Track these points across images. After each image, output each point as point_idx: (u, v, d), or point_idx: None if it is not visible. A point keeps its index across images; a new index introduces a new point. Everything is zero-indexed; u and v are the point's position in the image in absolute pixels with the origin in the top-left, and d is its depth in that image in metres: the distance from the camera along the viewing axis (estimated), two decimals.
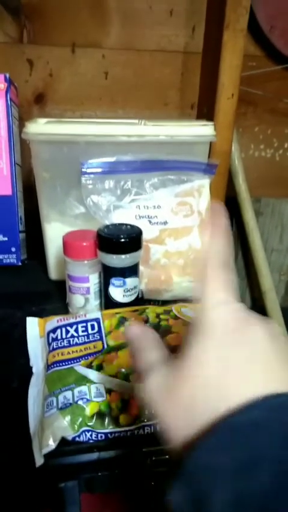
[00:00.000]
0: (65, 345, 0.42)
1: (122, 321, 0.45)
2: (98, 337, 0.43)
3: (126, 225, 0.51)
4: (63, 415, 0.34)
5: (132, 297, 0.51)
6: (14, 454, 0.34)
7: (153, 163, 0.55)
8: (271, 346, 0.21)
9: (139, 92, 0.82)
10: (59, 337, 0.43)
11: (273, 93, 0.86)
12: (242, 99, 0.78)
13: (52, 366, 0.39)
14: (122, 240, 0.47)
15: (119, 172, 0.54)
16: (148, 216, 0.56)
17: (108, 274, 0.49)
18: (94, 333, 0.43)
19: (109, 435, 0.34)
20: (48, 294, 0.60)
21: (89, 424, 0.34)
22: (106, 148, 0.54)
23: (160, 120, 0.57)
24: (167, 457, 0.33)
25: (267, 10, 0.77)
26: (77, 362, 0.39)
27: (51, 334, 0.44)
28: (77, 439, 0.33)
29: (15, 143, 0.63)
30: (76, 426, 0.33)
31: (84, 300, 0.51)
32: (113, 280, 0.49)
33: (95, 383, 0.37)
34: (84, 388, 0.36)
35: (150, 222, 0.56)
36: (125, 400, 0.35)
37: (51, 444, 0.32)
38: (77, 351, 0.41)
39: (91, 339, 0.42)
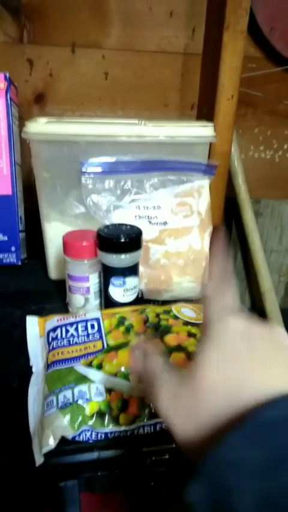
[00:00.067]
0: (65, 344, 0.42)
1: (121, 321, 0.45)
2: (98, 336, 0.43)
3: (126, 225, 0.51)
4: (63, 414, 0.34)
5: (132, 297, 0.51)
6: (14, 453, 0.34)
7: (153, 164, 0.55)
8: (280, 349, 0.23)
9: (139, 93, 0.82)
10: (59, 336, 0.43)
11: (273, 95, 0.87)
12: (242, 101, 0.79)
13: (52, 365, 0.39)
14: (122, 240, 0.47)
15: (119, 173, 0.54)
16: (148, 216, 0.56)
17: (108, 274, 0.49)
18: (94, 333, 0.43)
19: (109, 435, 0.34)
20: (48, 294, 0.59)
21: (89, 423, 0.34)
22: (106, 148, 0.54)
23: (160, 121, 0.57)
24: (166, 456, 0.33)
25: (267, 12, 0.78)
26: (77, 361, 0.39)
27: (51, 334, 0.44)
28: (77, 438, 0.33)
29: (15, 143, 0.63)
30: (76, 425, 0.33)
31: (84, 299, 0.51)
32: (113, 280, 0.49)
33: (94, 382, 0.37)
34: (84, 387, 0.36)
35: (150, 222, 0.56)
36: (124, 399, 0.35)
37: (51, 443, 0.32)
38: (77, 350, 0.41)
39: (91, 339, 0.42)
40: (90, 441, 0.34)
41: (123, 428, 0.34)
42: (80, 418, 0.34)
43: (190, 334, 0.42)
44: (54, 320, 0.46)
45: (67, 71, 0.79)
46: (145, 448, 0.34)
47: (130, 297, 0.50)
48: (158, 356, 0.28)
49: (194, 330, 0.43)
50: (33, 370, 0.41)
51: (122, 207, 0.55)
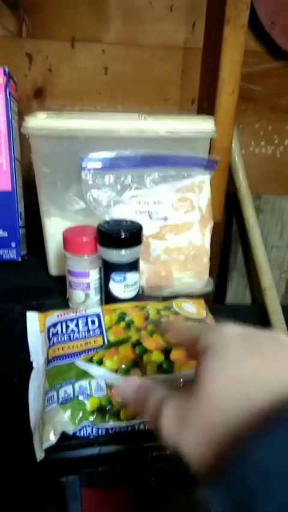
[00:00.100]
0: (66, 339, 0.42)
1: (122, 317, 0.45)
2: (99, 332, 0.43)
3: (127, 220, 0.51)
4: (64, 409, 0.34)
5: (133, 293, 0.51)
6: (15, 449, 0.34)
7: (154, 159, 0.55)
8: (284, 346, 0.22)
9: (139, 88, 0.82)
10: (60, 332, 0.43)
11: (273, 90, 0.86)
12: (243, 96, 0.78)
13: (53, 361, 0.39)
14: (123, 235, 0.47)
15: (119, 168, 0.54)
16: (148, 211, 0.55)
17: (108, 269, 0.49)
18: (94, 328, 0.43)
19: (110, 430, 0.34)
20: (48, 290, 0.59)
21: (90, 419, 0.34)
22: (106, 143, 0.54)
23: (160, 115, 0.56)
24: (167, 452, 0.33)
25: (267, 6, 0.77)
26: (77, 357, 0.39)
27: (52, 329, 0.44)
28: (78, 433, 0.33)
29: (15, 138, 0.63)
30: (77, 421, 0.33)
31: (85, 295, 0.51)
32: (114, 276, 0.49)
33: (95, 378, 0.37)
34: (84, 383, 0.36)
35: (150, 217, 0.55)
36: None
37: (52, 439, 0.32)
38: (77, 346, 0.41)
39: (91, 334, 0.42)
40: (91, 436, 0.33)
41: (124, 423, 0.34)
42: (81, 414, 0.34)
43: None
44: (54, 316, 0.46)
45: (66, 65, 0.78)
46: (146, 443, 0.34)
47: (131, 293, 0.50)
48: (150, 383, 0.27)
49: None
50: (34, 365, 0.41)
51: (122, 203, 0.55)
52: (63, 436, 0.32)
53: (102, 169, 0.54)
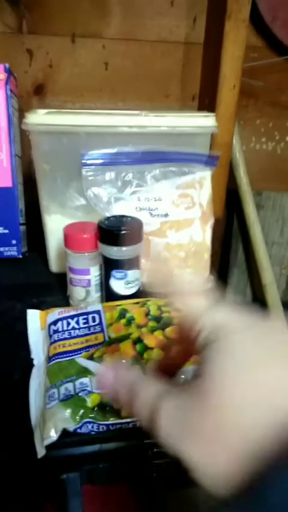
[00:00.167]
0: (66, 337, 0.42)
1: (123, 313, 0.44)
2: (99, 329, 0.43)
3: (127, 217, 0.51)
4: (65, 406, 0.34)
5: (134, 290, 0.50)
6: (16, 446, 0.34)
7: (155, 155, 0.55)
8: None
9: (140, 83, 0.81)
10: (60, 329, 0.43)
11: (274, 85, 0.86)
12: (243, 92, 0.78)
13: (53, 358, 0.39)
14: (123, 232, 0.47)
15: (119, 164, 0.54)
16: (149, 208, 0.55)
17: (109, 266, 0.49)
18: (95, 325, 0.43)
19: (110, 427, 0.34)
20: (49, 287, 0.59)
21: (91, 415, 0.34)
22: (107, 140, 0.54)
23: (161, 111, 0.56)
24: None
25: (269, 0, 0.77)
26: (78, 354, 0.39)
27: (52, 326, 0.44)
28: (79, 430, 0.33)
29: (15, 134, 0.63)
30: (78, 418, 0.33)
31: (85, 292, 0.51)
32: (114, 273, 0.49)
33: (96, 375, 0.37)
34: (85, 379, 0.36)
35: (151, 214, 0.55)
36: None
37: (53, 436, 0.32)
38: (78, 343, 0.41)
39: (92, 331, 0.42)
40: (92, 433, 0.33)
41: (124, 420, 0.34)
42: (82, 411, 0.34)
43: None
44: (55, 313, 0.46)
45: (67, 61, 0.78)
46: (147, 440, 0.33)
47: (131, 290, 0.50)
48: (137, 374, 0.23)
49: None
50: (35, 362, 0.41)
51: (123, 199, 0.54)
52: (64, 433, 0.32)
53: (103, 166, 0.53)
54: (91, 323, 0.44)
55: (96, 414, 0.34)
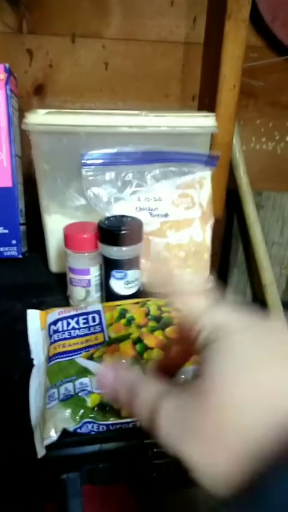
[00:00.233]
0: (66, 337, 0.42)
1: (123, 313, 0.44)
2: (99, 329, 0.43)
3: (127, 217, 0.51)
4: (65, 406, 0.34)
5: (134, 290, 0.50)
6: (16, 446, 0.34)
7: (155, 155, 0.55)
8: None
9: (139, 83, 0.81)
10: (60, 329, 0.43)
11: (274, 85, 0.86)
12: (243, 92, 0.78)
13: (53, 358, 0.39)
14: (123, 232, 0.47)
15: (119, 164, 0.54)
16: (149, 208, 0.55)
17: (109, 266, 0.49)
18: (95, 325, 0.43)
19: (110, 427, 0.34)
20: (48, 287, 0.59)
21: (91, 415, 0.34)
22: (107, 140, 0.54)
23: (161, 111, 0.56)
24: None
25: (269, 0, 0.77)
26: (78, 354, 0.39)
27: (52, 326, 0.44)
28: (79, 430, 0.33)
29: (15, 134, 0.63)
30: (78, 418, 0.33)
31: (85, 292, 0.51)
32: (114, 273, 0.49)
33: (96, 375, 0.37)
34: (85, 379, 0.36)
35: (151, 214, 0.55)
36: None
37: (53, 436, 0.32)
38: (78, 343, 0.41)
39: (92, 331, 0.42)
40: (92, 433, 0.33)
41: (124, 420, 0.34)
42: (82, 411, 0.34)
43: None
44: (55, 313, 0.46)
45: (67, 61, 0.78)
46: (146, 440, 0.33)
47: (131, 290, 0.50)
48: (136, 374, 0.23)
49: None
50: (35, 362, 0.41)
51: (123, 199, 0.54)
52: (64, 433, 0.32)
53: (103, 166, 0.53)
54: (91, 323, 0.44)
55: (96, 414, 0.34)
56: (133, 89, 0.81)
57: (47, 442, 0.32)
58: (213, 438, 0.18)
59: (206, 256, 0.59)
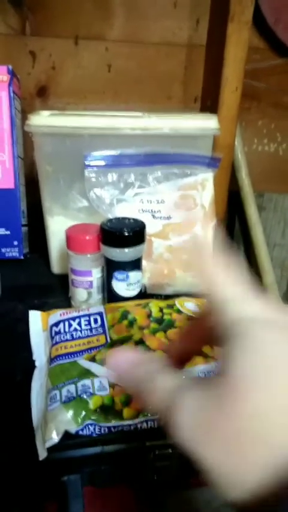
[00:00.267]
0: (68, 338, 0.42)
1: (125, 315, 0.44)
2: (101, 330, 0.43)
3: (130, 218, 0.51)
4: (67, 408, 0.34)
5: (135, 291, 0.51)
6: (17, 447, 0.34)
7: (157, 157, 0.55)
8: None
9: (142, 85, 0.81)
10: (62, 330, 0.43)
11: (277, 87, 0.86)
12: (246, 94, 0.78)
13: (55, 360, 0.39)
14: (125, 233, 0.47)
15: (122, 166, 0.54)
16: (151, 210, 0.55)
17: (111, 268, 0.49)
18: (97, 327, 0.43)
19: (112, 429, 0.34)
20: (50, 288, 0.59)
21: (93, 417, 0.34)
22: (109, 141, 0.54)
23: (164, 113, 0.56)
24: (169, 451, 0.33)
25: (272, 2, 0.77)
26: (80, 355, 0.39)
27: (54, 328, 0.44)
28: (80, 432, 0.33)
29: (18, 136, 0.63)
30: (79, 420, 0.33)
31: (87, 293, 0.51)
32: (116, 274, 0.49)
33: (98, 376, 0.37)
34: (87, 381, 0.36)
35: (153, 216, 0.55)
36: (128, 393, 0.35)
37: (55, 437, 0.32)
38: (80, 345, 0.41)
39: (94, 333, 0.42)
40: (94, 435, 0.33)
41: (126, 422, 0.34)
42: (84, 413, 0.34)
43: None
44: (57, 314, 0.46)
45: (70, 63, 0.78)
46: (148, 442, 0.33)
47: (133, 291, 0.50)
48: (156, 363, 0.21)
49: None
50: (36, 364, 0.41)
51: (126, 201, 0.54)
52: (66, 435, 0.32)
53: (106, 168, 0.54)
54: (93, 324, 0.44)
55: (98, 416, 0.34)
56: (136, 91, 0.82)
57: (48, 444, 0.32)
58: (237, 446, 0.16)
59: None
